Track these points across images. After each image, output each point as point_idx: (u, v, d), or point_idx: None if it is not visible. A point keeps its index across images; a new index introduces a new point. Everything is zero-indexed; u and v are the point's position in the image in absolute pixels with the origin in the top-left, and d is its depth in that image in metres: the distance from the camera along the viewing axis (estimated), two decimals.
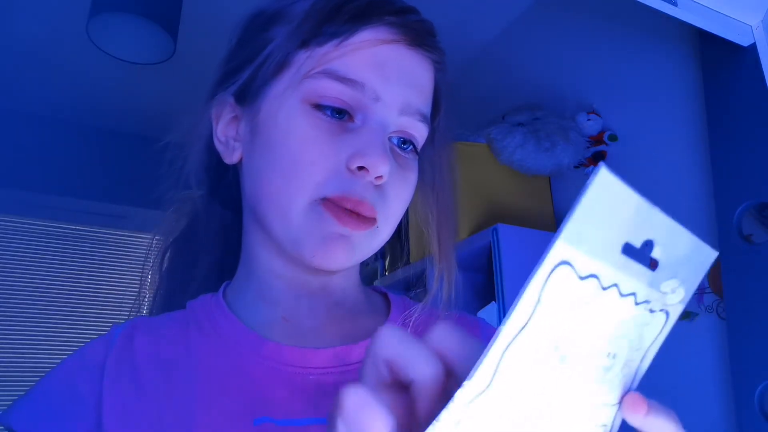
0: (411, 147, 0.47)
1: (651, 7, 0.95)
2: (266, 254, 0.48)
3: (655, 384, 1.27)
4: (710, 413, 1.14)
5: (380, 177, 0.42)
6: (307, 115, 0.43)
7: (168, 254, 0.58)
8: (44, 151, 2.40)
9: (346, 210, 0.42)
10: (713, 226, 1.17)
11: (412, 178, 0.47)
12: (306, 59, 0.44)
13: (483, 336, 0.52)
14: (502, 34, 2.00)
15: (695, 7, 0.99)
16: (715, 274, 1.19)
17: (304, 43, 0.44)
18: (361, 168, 0.42)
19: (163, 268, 0.57)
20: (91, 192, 2.44)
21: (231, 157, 0.48)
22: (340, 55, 0.43)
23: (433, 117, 0.50)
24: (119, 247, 2.54)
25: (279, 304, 0.47)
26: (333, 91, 0.43)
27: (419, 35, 0.46)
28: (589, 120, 1.52)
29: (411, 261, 1.60)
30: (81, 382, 0.43)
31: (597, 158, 1.53)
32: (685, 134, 1.32)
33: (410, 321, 0.50)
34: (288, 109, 0.44)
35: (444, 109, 0.51)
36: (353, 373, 0.44)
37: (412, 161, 0.47)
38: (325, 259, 0.43)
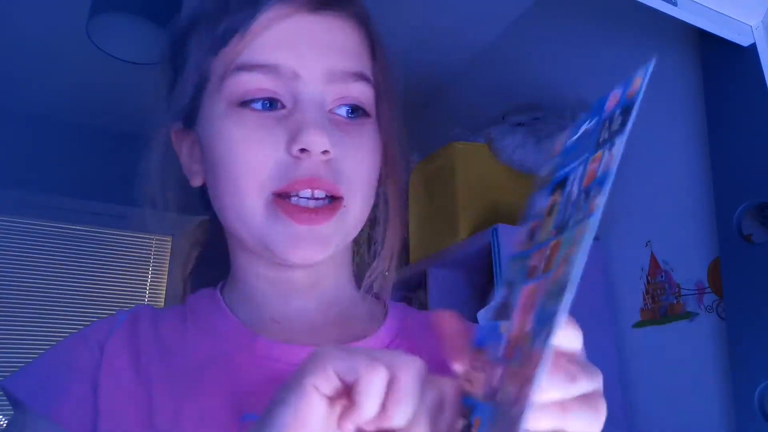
0: (360, 112, 0.45)
1: (651, 7, 0.95)
2: (246, 259, 0.48)
3: (656, 384, 1.28)
4: (710, 413, 1.14)
5: (326, 152, 0.41)
6: (233, 115, 0.42)
7: (189, 284, 0.58)
8: (44, 151, 2.39)
9: (298, 207, 0.41)
10: (713, 226, 1.17)
11: (367, 143, 0.45)
12: (219, 63, 0.43)
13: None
14: (502, 34, 2.00)
15: (695, 7, 0.99)
16: (715, 274, 1.19)
17: (212, 50, 0.44)
18: (303, 150, 0.41)
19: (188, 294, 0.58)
20: (91, 192, 2.44)
21: (194, 181, 0.49)
22: (246, 45, 0.42)
23: (374, 71, 0.47)
24: (119, 247, 2.54)
25: (266, 305, 0.47)
26: (252, 83, 0.42)
27: None
28: None
29: (411, 261, 1.60)
30: (80, 356, 0.43)
31: None
32: (685, 134, 1.31)
33: (405, 327, 0.49)
34: (217, 117, 0.43)
35: (380, 58, 0.48)
36: None
37: (362, 126, 0.45)
38: (298, 257, 0.42)
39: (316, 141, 0.40)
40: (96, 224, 2.50)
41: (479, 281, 1.56)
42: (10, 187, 2.32)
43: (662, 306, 1.29)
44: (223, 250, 0.54)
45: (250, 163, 0.41)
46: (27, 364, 0.45)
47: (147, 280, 2.53)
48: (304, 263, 0.44)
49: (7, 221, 2.37)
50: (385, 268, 0.51)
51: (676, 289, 1.27)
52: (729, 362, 1.07)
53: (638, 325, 1.34)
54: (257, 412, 0.40)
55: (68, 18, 1.81)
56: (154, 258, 2.58)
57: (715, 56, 1.15)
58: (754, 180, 1.04)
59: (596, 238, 1.52)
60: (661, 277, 1.31)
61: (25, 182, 2.34)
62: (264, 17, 0.42)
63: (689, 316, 1.23)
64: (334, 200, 0.43)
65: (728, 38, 1.05)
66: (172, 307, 0.50)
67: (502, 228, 1.35)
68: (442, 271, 1.53)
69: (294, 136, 0.41)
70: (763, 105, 1.02)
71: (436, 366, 0.47)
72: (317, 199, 0.42)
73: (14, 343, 2.27)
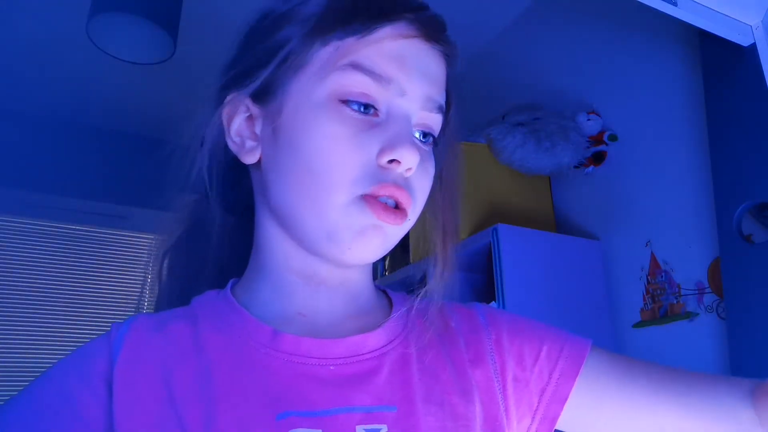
0: (430, 138, 0.49)
1: (651, 7, 0.96)
2: (285, 252, 0.48)
3: None
4: None
5: (410, 169, 0.44)
6: (334, 110, 0.43)
7: (167, 261, 0.57)
8: (44, 151, 2.40)
9: (384, 204, 0.43)
10: (713, 226, 1.17)
11: (431, 169, 0.48)
12: (329, 55, 0.44)
13: (484, 320, 0.52)
14: (501, 34, 2.00)
15: (695, 7, 0.99)
16: (715, 274, 1.19)
17: (325, 40, 0.45)
18: (391, 161, 0.43)
19: (163, 275, 0.57)
20: (91, 192, 2.45)
21: (248, 157, 0.48)
22: (362, 47, 0.44)
23: (446, 110, 0.51)
24: (119, 247, 2.54)
25: (295, 300, 0.48)
26: (359, 86, 0.44)
27: (435, 30, 0.47)
28: (589, 120, 1.52)
29: (411, 261, 1.60)
30: (82, 396, 0.41)
31: (597, 158, 1.53)
32: (685, 134, 1.32)
33: (411, 313, 0.50)
34: (313, 105, 0.44)
35: (454, 102, 0.52)
36: (370, 362, 0.45)
37: (430, 153, 0.49)
38: (361, 252, 0.44)
39: (411, 157, 0.43)
40: (96, 224, 2.50)
41: (479, 281, 1.56)
42: (10, 187, 2.32)
43: (662, 306, 1.29)
44: (211, 234, 0.54)
45: (342, 162, 0.43)
46: (17, 397, 0.42)
47: (147, 280, 2.53)
48: (364, 260, 0.46)
49: (7, 221, 2.37)
50: (438, 287, 0.52)
51: (676, 289, 1.27)
52: (729, 362, 1.08)
53: (638, 325, 1.34)
54: (292, 410, 0.40)
55: (68, 18, 1.82)
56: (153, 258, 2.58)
57: (715, 56, 1.15)
58: (754, 180, 1.04)
59: (596, 238, 1.53)
60: (661, 277, 1.31)
61: (25, 182, 2.34)
62: (387, 30, 0.45)
63: (689, 316, 1.23)
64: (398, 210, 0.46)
65: (728, 38, 1.05)
66: (174, 311, 0.49)
67: (502, 228, 1.35)
68: None
69: (389, 146, 0.43)
70: (763, 105, 1.03)
71: (443, 353, 0.48)
72: (387, 206, 0.45)
73: (14, 343, 2.27)
